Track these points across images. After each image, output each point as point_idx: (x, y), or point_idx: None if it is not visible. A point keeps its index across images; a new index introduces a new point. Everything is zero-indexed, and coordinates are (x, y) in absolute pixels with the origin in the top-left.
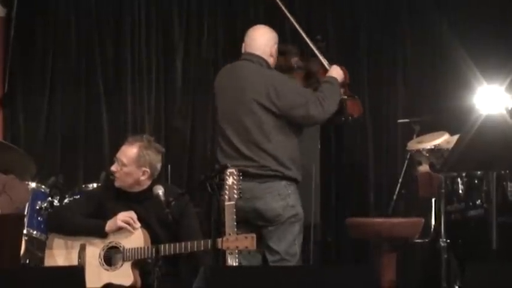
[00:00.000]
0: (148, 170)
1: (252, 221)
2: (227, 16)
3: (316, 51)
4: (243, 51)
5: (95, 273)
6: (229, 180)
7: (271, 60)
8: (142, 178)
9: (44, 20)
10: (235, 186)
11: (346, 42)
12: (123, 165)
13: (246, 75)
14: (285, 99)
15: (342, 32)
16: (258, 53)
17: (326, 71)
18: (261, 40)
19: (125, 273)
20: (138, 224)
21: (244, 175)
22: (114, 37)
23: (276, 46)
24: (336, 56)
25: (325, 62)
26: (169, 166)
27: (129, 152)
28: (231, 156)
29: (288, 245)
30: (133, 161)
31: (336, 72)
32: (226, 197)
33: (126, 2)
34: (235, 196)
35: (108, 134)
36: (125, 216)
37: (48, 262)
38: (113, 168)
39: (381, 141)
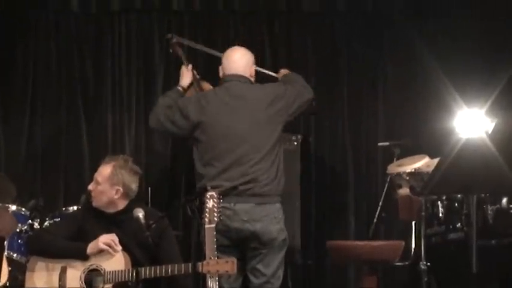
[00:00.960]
0: (121, 189)
1: (245, 243)
2: (208, 38)
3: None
4: (222, 74)
5: None
6: (210, 203)
7: (252, 81)
8: (116, 197)
9: (23, 42)
10: (215, 209)
11: (325, 64)
12: (98, 183)
13: (244, 93)
14: (287, 94)
15: (321, 55)
16: (241, 73)
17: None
18: (242, 61)
19: None
20: (119, 247)
21: (239, 196)
22: (95, 59)
23: (254, 67)
24: (316, 78)
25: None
26: (149, 189)
27: (104, 170)
28: (225, 178)
29: (275, 268)
30: (106, 179)
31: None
32: (207, 219)
33: (105, 24)
34: (215, 219)
35: (89, 156)
36: (107, 239)
37: (29, 284)
38: (90, 186)
39: (361, 164)
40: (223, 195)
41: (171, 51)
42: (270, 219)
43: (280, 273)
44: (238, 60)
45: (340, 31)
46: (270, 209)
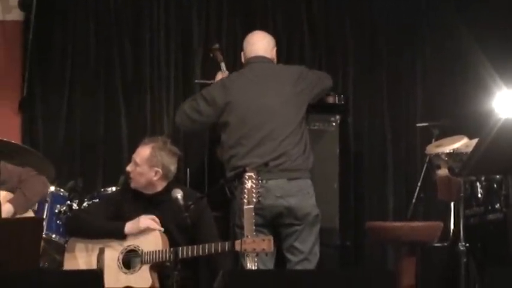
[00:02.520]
0: (160, 170)
1: (280, 219)
2: (246, 18)
3: None
4: (244, 58)
5: (114, 276)
6: (248, 184)
7: (274, 53)
8: (155, 179)
9: (62, 24)
10: (254, 190)
11: (364, 46)
12: (137, 165)
13: (268, 72)
14: (308, 82)
15: (360, 37)
16: (263, 54)
17: None
18: (263, 43)
19: (143, 277)
20: (160, 227)
21: (270, 172)
22: (133, 40)
23: (275, 49)
24: (354, 59)
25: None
26: (188, 170)
27: (143, 152)
28: (255, 155)
29: (311, 245)
30: (145, 161)
31: None
32: (245, 200)
33: (145, 4)
34: (254, 200)
35: (127, 137)
36: (148, 219)
37: (68, 265)
38: (128, 168)
39: (400, 145)
40: (237, 174)
41: (211, 55)
42: (303, 194)
43: (317, 249)
44: (259, 42)
45: (379, 12)
46: (303, 184)
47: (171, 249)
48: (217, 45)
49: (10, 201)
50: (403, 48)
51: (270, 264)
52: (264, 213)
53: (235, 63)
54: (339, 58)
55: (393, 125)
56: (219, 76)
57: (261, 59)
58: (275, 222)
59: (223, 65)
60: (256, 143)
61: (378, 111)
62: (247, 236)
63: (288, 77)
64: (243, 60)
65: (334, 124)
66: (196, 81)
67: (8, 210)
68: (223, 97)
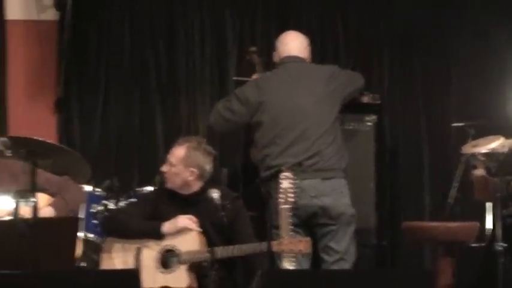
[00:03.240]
0: (195, 170)
1: (314, 219)
2: (280, 21)
3: None
4: (277, 58)
5: (151, 276)
6: (285, 184)
7: (307, 53)
8: (190, 179)
9: (97, 24)
10: (290, 190)
11: (399, 46)
12: (172, 165)
13: (301, 71)
14: (340, 82)
15: (394, 36)
16: (296, 54)
17: None
18: (296, 43)
19: (180, 276)
20: (198, 227)
21: (304, 172)
22: (168, 40)
23: (308, 48)
24: (389, 58)
25: None
26: (224, 169)
27: (178, 152)
28: (289, 155)
29: (347, 244)
30: (180, 161)
31: None
32: (282, 200)
33: (178, 5)
34: (291, 199)
35: (162, 136)
36: (185, 219)
37: (105, 265)
38: (163, 168)
39: (436, 145)
40: (273, 174)
41: (248, 58)
42: (337, 194)
43: (352, 249)
44: (292, 42)
45: (414, 12)
46: (337, 183)
47: (208, 249)
48: (254, 48)
49: (51, 204)
50: (438, 47)
51: (305, 265)
52: (299, 213)
53: (269, 65)
54: (374, 58)
55: (428, 125)
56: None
57: (294, 59)
58: (310, 222)
59: (259, 68)
60: (290, 142)
61: (413, 111)
62: (284, 237)
63: (321, 76)
64: (275, 60)
65: (369, 124)
66: (233, 78)
67: (49, 213)
68: (256, 97)
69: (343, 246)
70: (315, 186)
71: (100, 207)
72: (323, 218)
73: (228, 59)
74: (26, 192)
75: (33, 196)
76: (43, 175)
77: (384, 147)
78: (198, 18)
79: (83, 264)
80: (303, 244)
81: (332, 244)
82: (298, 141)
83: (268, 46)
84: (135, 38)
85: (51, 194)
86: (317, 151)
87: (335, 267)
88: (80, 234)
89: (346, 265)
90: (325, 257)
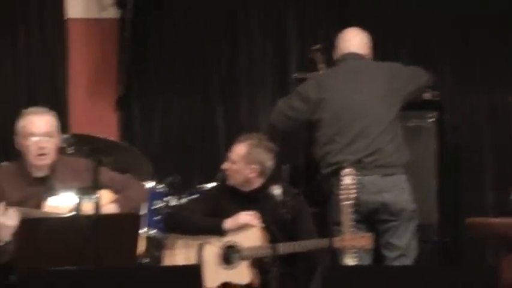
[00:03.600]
0: (256, 167)
1: (375, 216)
2: (341, 18)
3: None
4: (337, 55)
5: (213, 272)
6: (346, 180)
7: (369, 50)
8: (252, 176)
9: (158, 21)
10: (352, 186)
11: (461, 41)
12: (233, 162)
13: (361, 68)
14: (402, 80)
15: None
16: (356, 51)
17: None
18: (356, 39)
19: (242, 272)
20: (260, 223)
21: (365, 169)
22: (229, 37)
23: (369, 45)
24: (452, 55)
25: None
26: (285, 166)
27: (239, 149)
28: (349, 152)
29: (408, 240)
30: (241, 158)
31: None
32: (344, 196)
33: (240, 2)
34: (352, 196)
35: (224, 133)
36: (247, 215)
37: (167, 261)
38: (225, 165)
39: (498, 140)
40: (334, 171)
41: (310, 56)
42: (398, 190)
43: (414, 245)
44: (352, 39)
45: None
46: (397, 179)
47: (270, 245)
48: (317, 46)
49: (114, 201)
50: (501, 41)
51: (366, 261)
52: (361, 209)
53: (330, 62)
54: (436, 54)
55: (491, 120)
56: None
57: (353, 56)
58: (371, 219)
59: (322, 65)
60: (350, 140)
61: (475, 107)
62: (345, 233)
63: (382, 73)
64: (336, 57)
65: (431, 120)
66: (294, 75)
67: (111, 210)
68: (316, 94)
69: (404, 242)
70: (376, 183)
71: (162, 204)
72: (384, 214)
73: (289, 56)
74: (88, 189)
75: (96, 193)
76: (107, 174)
77: (445, 143)
78: (259, 16)
79: (146, 260)
80: (365, 240)
81: (393, 240)
82: (358, 138)
83: (330, 44)
84: (196, 36)
85: (114, 192)
86: (377, 148)
87: (396, 263)
88: (143, 230)
89: (407, 261)
90: (387, 253)
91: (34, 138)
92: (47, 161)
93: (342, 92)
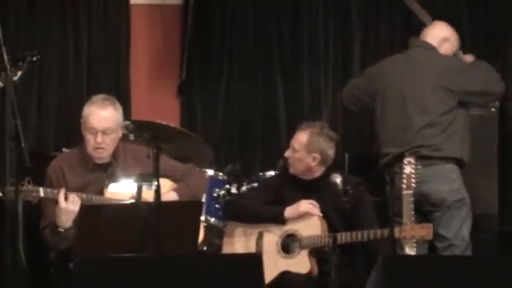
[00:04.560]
0: (318, 156)
1: (420, 207)
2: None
3: None
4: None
5: (272, 261)
6: (407, 169)
7: (444, 47)
8: (313, 164)
9: (221, 7)
10: (413, 175)
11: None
12: (295, 150)
13: (420, 59)
14: (461, 78)
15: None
16: (427, 40)
17: None
18: (434, 30)
19: (301, 261)
20: (319, 212)
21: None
22: (291, 25)
23: (447, 41)
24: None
25: None
26: (346, 155)
27: (300, 137)
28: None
29: (456, 229)
30: (303, 146)
31: None
32: (404, 185)
33: None
34: (413, 185)
35: (285, 121)
36: (307, 204)
37: (226, 249)
38: (286, 154)
39: None
40: (395, 159)
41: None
42: (438, 180)
43: (464, 233)
44: (432, 28)
45: None
46: (439, 169)
47: (330, 234)
48: None
49: (174, 189)
50: None
51: (422, 251)
52: None
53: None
54: (499, 42)
55: None
56: None
57: (420, 43)
58: (419, 210)
59: (422, 14)
60: (394, 131)
61: None
62: (406, 223)
63: (438, 67)
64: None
65: (493, 110)
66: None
67: (172, 197)
68: (374, 83)
69: (451, 233)
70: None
71: (222, 192)
72: (426, 205)
73: (353, 41)
74: (148, 176)
75: (156, 180)
76: (168, 162)
77: (507, 132)
78: (322, 2)
79: (205, 248)
80: (425, 230)
81: (440, 231)
82: (402, 130)
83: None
84: (259, 20)
85: (175, 181)
86: (421, 141)
87: (447, 253)
88: (202, 218)
89: (457, 251)
90: (437, 243)
91: (93, 133)
92: (103, 154)
93: (392, 84)
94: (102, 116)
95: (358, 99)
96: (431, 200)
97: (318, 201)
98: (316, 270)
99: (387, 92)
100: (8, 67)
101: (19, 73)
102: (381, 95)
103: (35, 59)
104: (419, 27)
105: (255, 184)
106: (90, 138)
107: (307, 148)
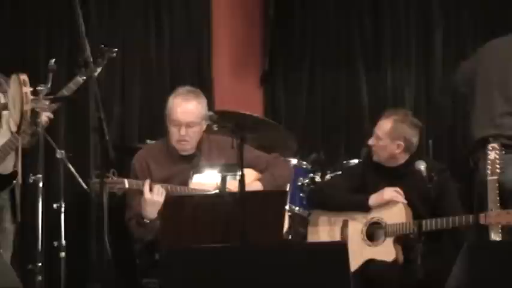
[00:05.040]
0: (402, 143)
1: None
2: None
3: None
4: None
5: (357, 249)
6: (492, 155)
7: None
8: (397, 151)
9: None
10: (497, 161)
11: None
12: (378, 138)
13: None
14: None
15: None
16: None
17: None
18: None
19: (387, 249)
20: (404, 199)
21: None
22: (373, 13)
23: None
24: None
25: None
26: (430, 141)
27: (384, 125)
28: (481, 127)
29: None
30: (387, 134)
31: None
32: (489, 171)
33: None
34: (498, 171)
35: (369, 109)
36: (392, 191)
37: (311, 238)
38: (370, 141)
39: None
40: (479, 145)
41: None
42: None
43: None
44: None
45: None
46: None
47: (415, 221)
48: None
49: (259, 179)
50: None
51: (509, 236)
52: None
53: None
54: None
55: None
56: None
57: None
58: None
59: None
60: (481, 115)
61: None
62: (491, 209)
63: None
64: None
65: None
66: None
67: (256, 187)
68: (472, 65)
69: None
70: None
71: (306, 181)
72: (504, 192)
73: (434, 29)
74: (233, 166)
75: (241, 170)
76: (252, 152)
77: None
78: None
79: (290, 237)
80: (511, 216)
81: None
82: (486, 115)
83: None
84: (340, 9)
85: (259, 171)
86: (500, 128)
87: None
88: (286, 207)
89: None
90: None
91: (176, 125)
92: (187, 146)
93: (484, 69)
94: (187, 109)
95: (460, 79)
96: (505, 187)
97: (402, 188)
98: (401, 258)
99: (481, 75)
100: (91, 60)
101: (98, 69)
102: (478, 80)
103: (114, 55)
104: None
105: (339, 172)
106: (174, 131)
107: (391, 136)
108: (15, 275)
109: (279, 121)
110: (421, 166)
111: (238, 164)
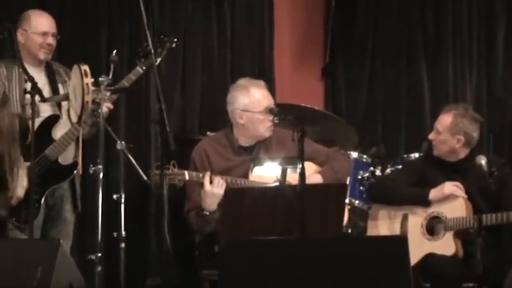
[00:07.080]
0: (462, 138)
1: None
2: None
3: None
4: None
5: (417, 243)
6: None
7: None
8: (457, 146)
9: None
10: None
11: None
12: (439, 133)
13: None
14: None
15: None
16: None
17: None
18: None
19: (446, 243)
20: (464, 194)
21: None
22: (435, 7)
23: None
24: None
25: None
26: (491, 136)
27: (444, 120)
28: None
29: None
30: (447, 128)
31: None
32: None
33: None
34: None
35: (429, 104)
36: (452, 186)
37: (371, 232)
38: (430, 136)
39: None
40: None
41: None
42: None
43: None
44: None
45: None
46: None
47: (475, 216)
48: None
49: (319, 172)
50: None
51: None
52: None
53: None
54: None
55: None
56: None
57: None
58: None
59: None
60: None
61: None
62: None
63: None
64: None
65: None
66: None
67: (316, 179)
68: None
69: None
70: None
71: (366, 174)
72: None
73: (495, 24)
74: (293, 159)
75: (301, 163)
76: (312, 145)
77: None
78: None
79: (349, 231)
80: None
81: None
82: None
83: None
84: (403, 3)
85: (319, 164)
86: None
87: None
88: (346, 201)
89: None
90: None
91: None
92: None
93: None
94: (268, 94)
95: None
96: None
97: (462, 182)
98: (461, 252)
99: None
100: (152, 51)
101: (158, 59)
102: None
103: (174, 45)
104: None
105: (399, 166)
106: (266, 120)
107: (451, 130)
108: (75, 265)
109: (340, 114)
110: (482, 161)
111: (298, 157)
